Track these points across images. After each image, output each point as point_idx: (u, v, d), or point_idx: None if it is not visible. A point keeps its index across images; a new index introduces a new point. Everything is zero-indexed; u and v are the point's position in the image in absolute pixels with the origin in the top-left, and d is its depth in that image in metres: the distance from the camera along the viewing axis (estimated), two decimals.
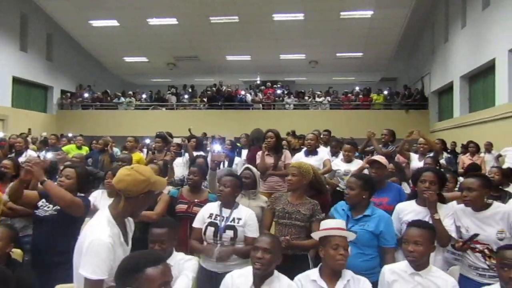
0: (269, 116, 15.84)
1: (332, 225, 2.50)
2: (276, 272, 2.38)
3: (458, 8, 12.52)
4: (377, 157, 3.78)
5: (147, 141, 9.71)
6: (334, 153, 5.77)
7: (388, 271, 2.46)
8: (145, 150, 8.87)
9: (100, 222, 1.90)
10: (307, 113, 16.84)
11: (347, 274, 2.38)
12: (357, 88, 18.44)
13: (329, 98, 17.28)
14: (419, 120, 15.00)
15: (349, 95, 17.55)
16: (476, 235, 2.68)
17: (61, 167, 3.64)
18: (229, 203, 3.08)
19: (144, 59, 19.34)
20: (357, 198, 2.93)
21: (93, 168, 6.23)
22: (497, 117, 9.72)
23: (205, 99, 17.73)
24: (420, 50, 17.17)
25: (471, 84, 12.43)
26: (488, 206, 2.77)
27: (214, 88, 17.85)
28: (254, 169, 3.76)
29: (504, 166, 6.97)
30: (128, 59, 19.50)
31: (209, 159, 4.52)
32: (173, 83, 20.38)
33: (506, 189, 4.37)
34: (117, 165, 4.71)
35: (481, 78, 11.54)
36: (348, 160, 4.85)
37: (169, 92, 18.71)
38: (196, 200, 3.50)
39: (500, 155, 8.19)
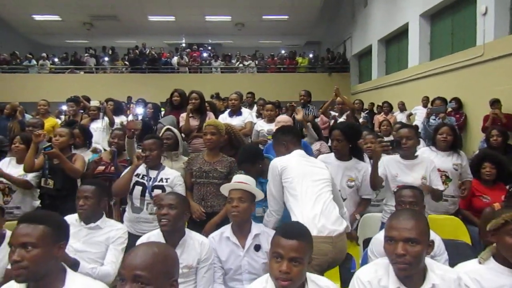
0: (195, 80, 15.45)
1: (240, 179, 2.54)
2: (187, 230, 2.37)
3: None
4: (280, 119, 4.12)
5: (64, 107, 9.05)
6: (260, 115, 5.88)
7: None
8: (62, 117, 8.29)
9: None
10: (234, 76, 16.69)
11: (256, 228, 2.45)
12: (282, 51, 18.61)
13: (256, 62, 17.29)
14: (341, 83, 15.42)
15: (275, 58, 17.71)
16: None
17: None
18: (156, 165, 3.06)
19: (56, 17, 17.56)
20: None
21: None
22: (409, 78, 10.46)
23: (127, 62, 16.83)
24: (341, 15, 17.62)
25: (388, 47, 13.13)
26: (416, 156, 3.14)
27: (137, 51, 16.99)
28: (175, 130, 3.70)
29: (415, 123, 7.62)
30: (38, 17, 17.58)
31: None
32: (91, 45, 18.99)
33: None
34: (27, 130, 4.33)
35: (396, 42, 12.22)
36: (270, 120, 4.93)
37: (87, 54, 17.41)
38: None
39: (411, 114, 8.87)
